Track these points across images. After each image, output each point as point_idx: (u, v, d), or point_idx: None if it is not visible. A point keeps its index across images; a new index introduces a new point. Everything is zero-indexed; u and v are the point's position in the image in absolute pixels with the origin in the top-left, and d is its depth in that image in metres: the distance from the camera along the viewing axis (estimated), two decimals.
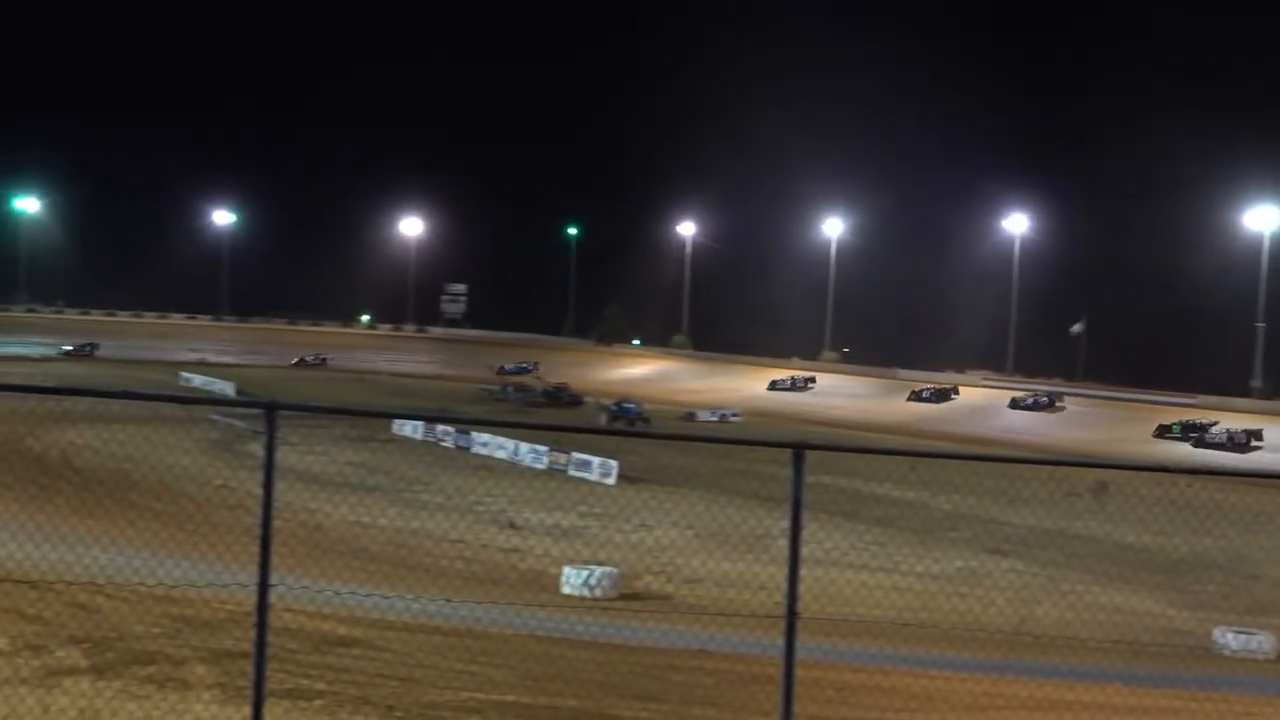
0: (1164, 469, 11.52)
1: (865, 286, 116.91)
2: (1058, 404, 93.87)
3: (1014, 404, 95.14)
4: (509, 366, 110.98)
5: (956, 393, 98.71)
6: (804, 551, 8.91)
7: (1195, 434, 79.23)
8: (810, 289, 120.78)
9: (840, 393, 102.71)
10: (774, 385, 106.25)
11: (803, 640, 8.88)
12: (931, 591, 29.72)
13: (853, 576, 30.84)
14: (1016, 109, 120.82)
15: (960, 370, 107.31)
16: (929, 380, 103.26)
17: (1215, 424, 79.83)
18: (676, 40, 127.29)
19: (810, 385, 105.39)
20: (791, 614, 8.60)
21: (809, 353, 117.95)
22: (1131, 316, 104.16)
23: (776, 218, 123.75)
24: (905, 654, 20.73)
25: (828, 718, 14.75)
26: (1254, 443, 75.82)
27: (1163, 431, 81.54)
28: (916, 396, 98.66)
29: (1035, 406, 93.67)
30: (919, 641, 22.01)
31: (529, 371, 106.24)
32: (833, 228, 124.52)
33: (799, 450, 8.56)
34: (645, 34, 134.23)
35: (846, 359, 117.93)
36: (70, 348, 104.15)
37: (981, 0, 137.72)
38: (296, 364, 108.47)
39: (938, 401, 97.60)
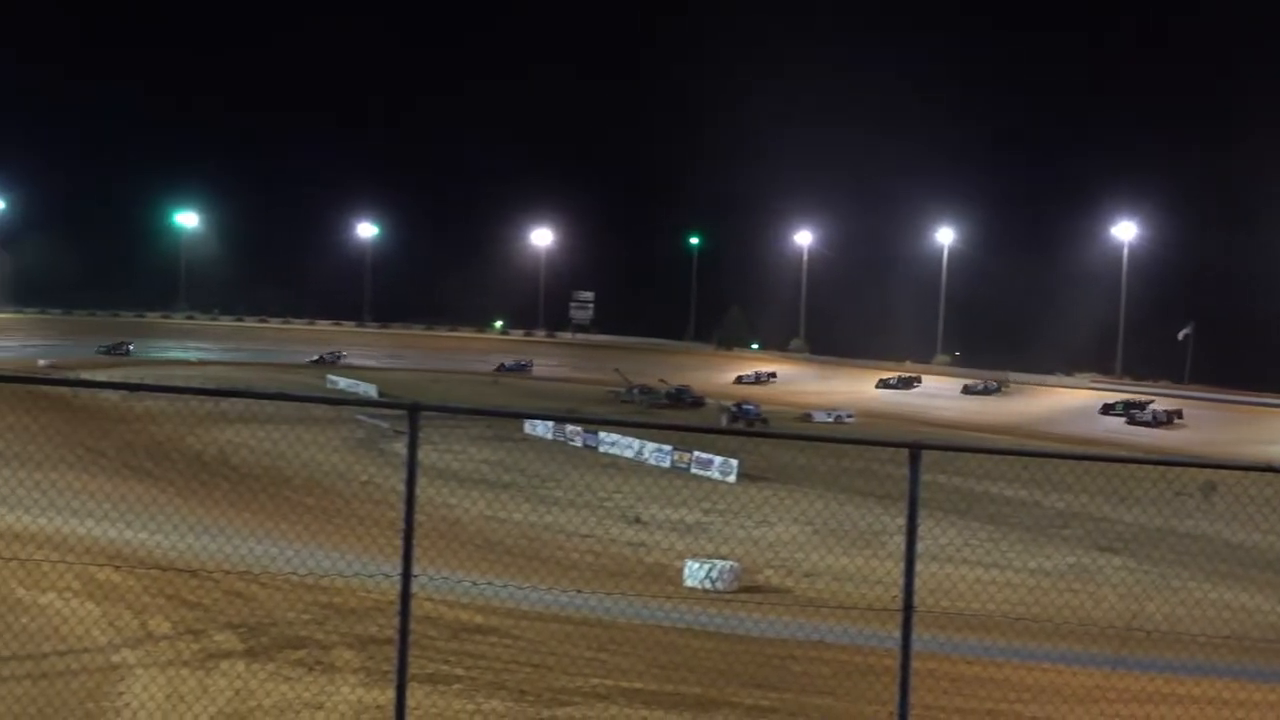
0: (1271, 469, 11.19)
1: (977, 291, 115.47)
2: (1004, 388, 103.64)
3: (966, 390, 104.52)
4: (508, 363, 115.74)
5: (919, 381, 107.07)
6: (919, 547, 8.83)
7: (1132, 412, 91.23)
8: (923, 294, 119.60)
9: (952, 395, 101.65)
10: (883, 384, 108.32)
11: (918, 633, 8.79)
12: (1044, 587, 29.23)
13: (966, 572, 30.43)
14: (1124, 116, 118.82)
15: (1069, 373, 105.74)
16: (1037, 383, 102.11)
17: (1151, 403, 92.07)
18: (794, 55, 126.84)
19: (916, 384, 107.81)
20: (908, 608, 8.52)
21: (921, 356, 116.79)
22: (1241, 320, 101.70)
23: (890, 225, 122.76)
24: (1018, 647, 20.44)
25: (943, 708, 14.59)
26: (1176, 420, 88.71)
27: (1108, 409, 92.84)
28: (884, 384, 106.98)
29: (985, 392, 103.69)
30: (1031, 635, 21.68)
31: (525, 368, 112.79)
32: (945, 235, 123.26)
33: (915, 450, 8.49)
34: (763, 48, 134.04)
35: (957, 362, 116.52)
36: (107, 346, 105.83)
37: (1090, 9, 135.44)
38: (316, 361, 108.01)
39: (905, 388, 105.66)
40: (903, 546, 8.76)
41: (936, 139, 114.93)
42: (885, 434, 64.03)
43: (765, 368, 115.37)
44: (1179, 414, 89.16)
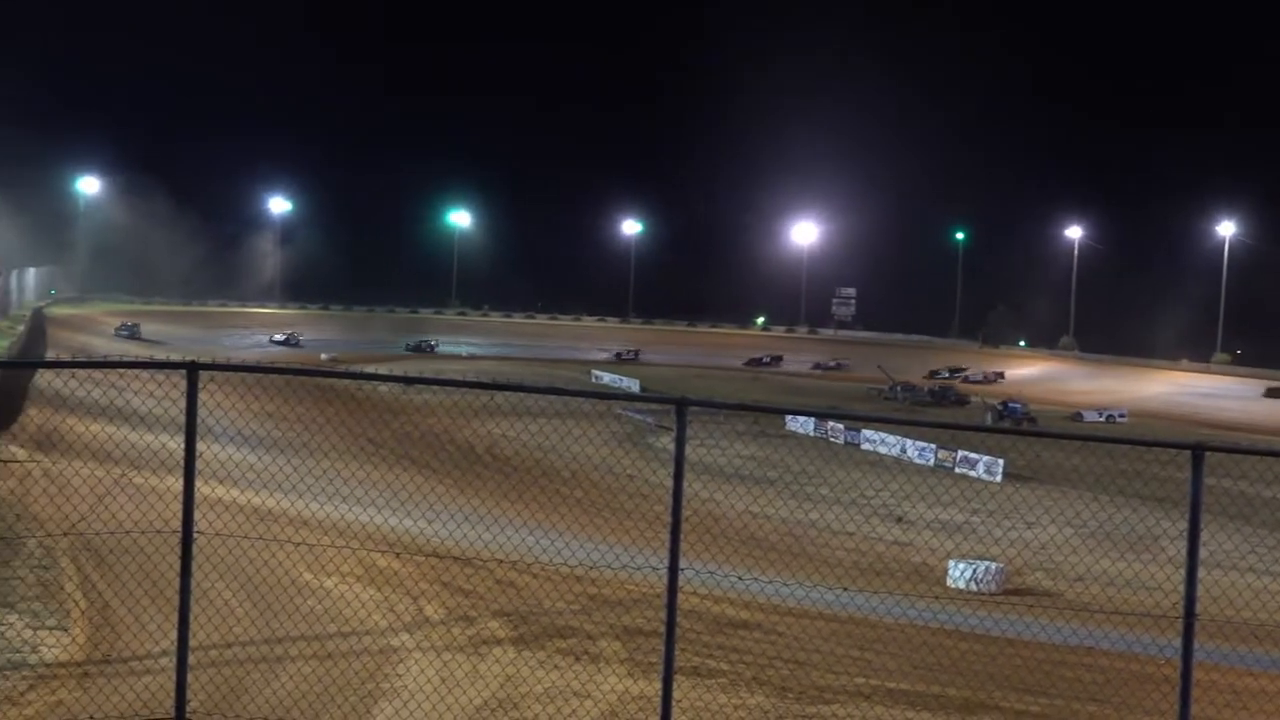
0: None
1: (1259, 288, 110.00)
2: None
3: (817, 367, 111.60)
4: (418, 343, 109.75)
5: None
6: (1199, 553, 8.49)
7: (959, 373, 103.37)
8: (1201, 291, 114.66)
9: (1232, 395, 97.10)
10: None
11: (1197, 642, 8.47)
12: None
13: (1251, 580, 29.05)
14: None
15: None
16: None
17: (968, 369, 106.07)
18: (1068, 51, 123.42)
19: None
20: (1190, 615, 8.20)
21: (1199, 354, 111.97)
22: None
23: (1165, 219, 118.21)
24: None
25: None
26: (998, 380, 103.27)
27: (933, 374, 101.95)
28: None
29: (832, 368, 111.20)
30: None
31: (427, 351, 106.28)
32: (1225, 228, 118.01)
33: (1198, 452, 8.16)
34: (1034, 48, 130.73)
35: (1238, 361, 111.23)
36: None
37: None
38: (282, 341, 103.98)
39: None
40: (1179, 552, 8.45)
41: (1214, 128, 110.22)
42: (1162, 434, 61.67)
43: (1032, 365, 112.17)
44: (1001, 375, 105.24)
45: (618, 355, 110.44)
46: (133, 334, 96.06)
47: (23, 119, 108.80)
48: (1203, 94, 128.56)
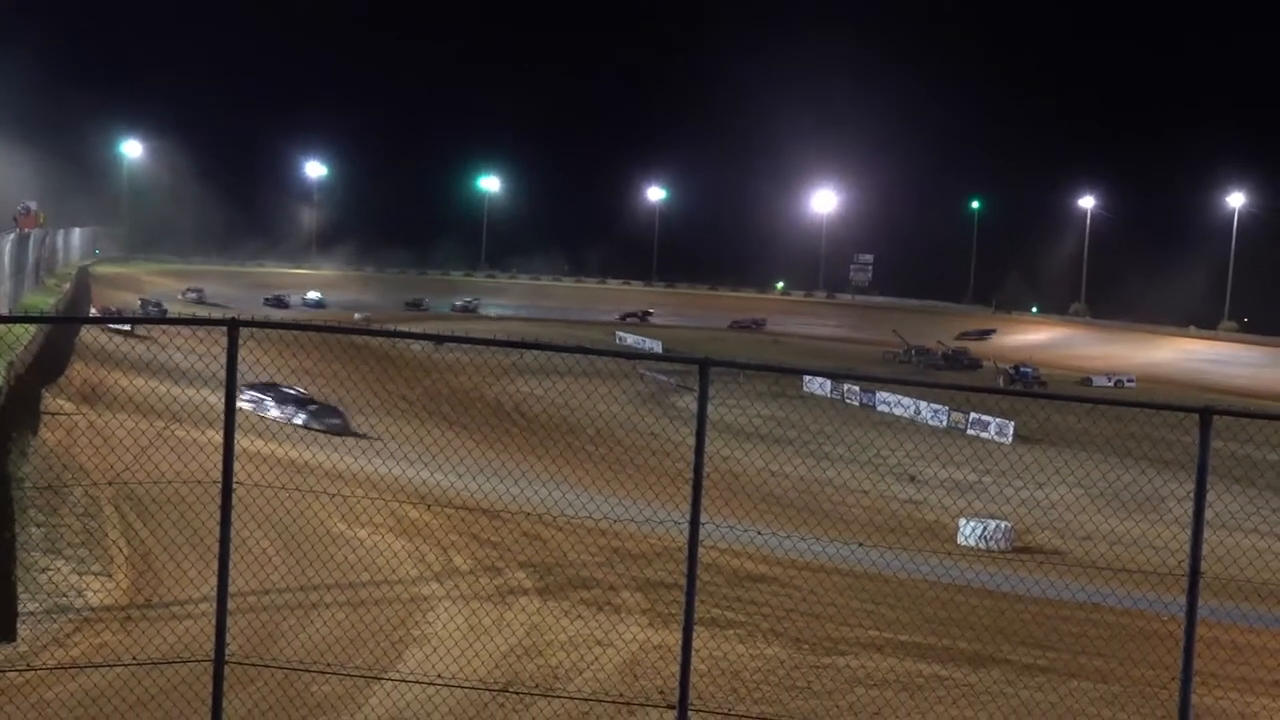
0: None
1: (1266, 257, 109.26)
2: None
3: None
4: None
5: None
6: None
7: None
8: (1210, 260, 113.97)
9: (1239, 361, 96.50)
10: None
11: (1200, 599, 8.44)
12: None
13: (1256, 541, 28.91)
14: None
15: None
16: None
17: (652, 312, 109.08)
18: (1084, 21, 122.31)
19: None
20: (1195, 573, 8.18)
21: (1207, 321, 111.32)
22: None
23: (1176, 189, 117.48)
24: None
25: (1226, 676, 13.99)
26: (650, 320, 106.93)
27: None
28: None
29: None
30: None
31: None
32: (1235, 199, 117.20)
33: (1206, 415, 8.11)
34: (1050, 19, 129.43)
35: (1246, 329, 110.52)
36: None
37: None
38: (269, 300, 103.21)
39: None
40: (1185, 513, 8.42)
41: (1225, 98, 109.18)
42: (1172, 399, 61.38)
43: (1044, 331, 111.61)
44: (649, 312, 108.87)
45: (623, 317, 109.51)
46: (200, 298, 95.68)
47: (67, 83, 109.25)
48: (1215, 65, 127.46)
